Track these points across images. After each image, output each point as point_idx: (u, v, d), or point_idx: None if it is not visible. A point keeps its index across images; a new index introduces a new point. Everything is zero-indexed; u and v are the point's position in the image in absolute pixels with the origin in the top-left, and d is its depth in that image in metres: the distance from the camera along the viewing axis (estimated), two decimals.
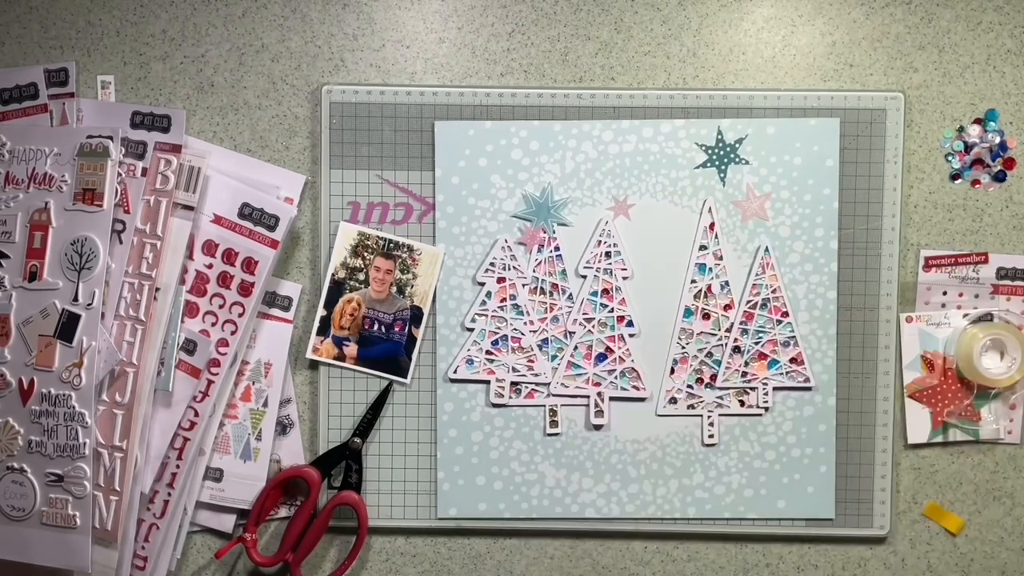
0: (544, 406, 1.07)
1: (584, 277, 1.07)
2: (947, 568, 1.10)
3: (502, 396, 1.07)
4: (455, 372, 1.07)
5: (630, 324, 1.07)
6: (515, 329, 1.07)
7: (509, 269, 1.07)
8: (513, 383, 1.07)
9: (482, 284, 1.07)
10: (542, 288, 1.07)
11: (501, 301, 1.07)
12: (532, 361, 1.07)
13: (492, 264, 1.07)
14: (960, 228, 1.09)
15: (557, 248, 1.07)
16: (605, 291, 1.07)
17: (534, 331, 1.07)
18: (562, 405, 1.07)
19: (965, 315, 1.08)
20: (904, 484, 1.10)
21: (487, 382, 1.07)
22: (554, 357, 1.07)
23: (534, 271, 1.07)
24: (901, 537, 1.10)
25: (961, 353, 1.07)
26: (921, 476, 1.10)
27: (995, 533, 1.10)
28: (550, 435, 1.07)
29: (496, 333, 1.07)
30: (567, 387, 1.07)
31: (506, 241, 1.06)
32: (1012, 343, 1.06)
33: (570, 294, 1.07)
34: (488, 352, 1.07)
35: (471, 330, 1.07)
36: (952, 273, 1.08)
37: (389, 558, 1.10)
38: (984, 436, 1.09)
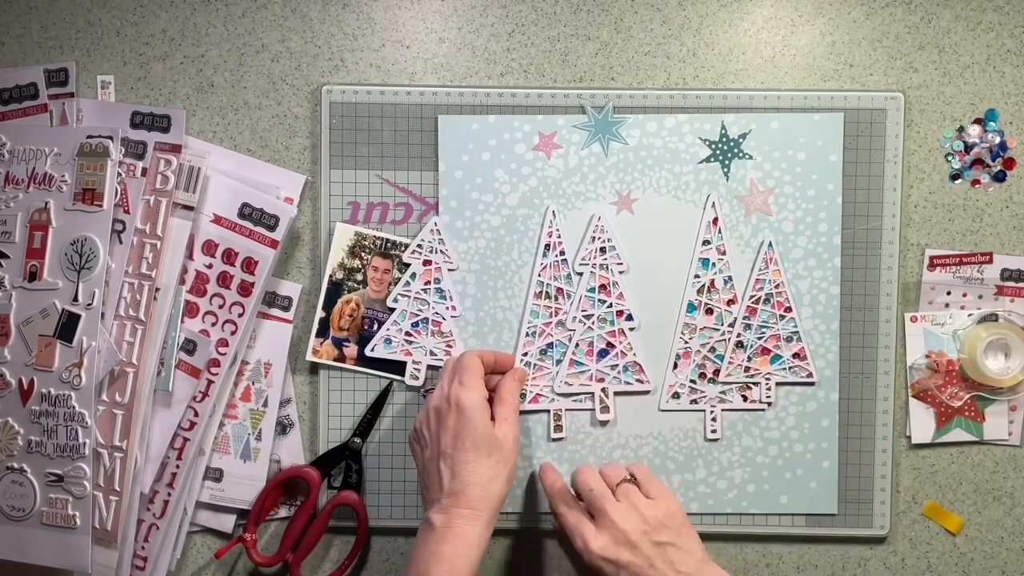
0: (549, 411, 1.07)
1: (580, 274, 1.07)
2: (947, 568, 1.10)
3: (417, 379, 1.07)
4: (372, 351, 1.07)
5: (629, 318, 1.07)
6: (436, 313, 1.07)
7: (436, 252, 1.07)
8: (430, 366, 1.07)
9: (408, 265, 1.07)
10: (547, 293, 1.07)
11: (425, 284, 1.07)
12: (450, 346, 1.07)
13: (419, 246, 1.06)
14: (960, 228, 1.09)
15: (563, 252, 1.06)
16: (603, 287, 1.07)
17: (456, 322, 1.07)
18: (567, 409, 1.07)
19: (970, 315, 1.08)
20: (904, 484, 1.10)
21: (404, 363, 1.07)
22: (559, 361, 1.07)
23: (539, 275, 1.06)
24: (901, 537, 1.10)
25: (966, 353, 1.07)
26: (921, 476, 1.10)
27: (995, 533, 1.10)
28: (554, 440, 1.07)
29: (417, 315, 1.07)
30: (571, 385, 1.07)
31: (435, 224, 1.06)
32: (1017, 344, 1.06)
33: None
34: (407, 333, 1.07)
35: (393, 309, 1.07)
36: (957, 273, 1.08)
37: (389, 558, 1.09)
38: (988, 436, 1.09)
